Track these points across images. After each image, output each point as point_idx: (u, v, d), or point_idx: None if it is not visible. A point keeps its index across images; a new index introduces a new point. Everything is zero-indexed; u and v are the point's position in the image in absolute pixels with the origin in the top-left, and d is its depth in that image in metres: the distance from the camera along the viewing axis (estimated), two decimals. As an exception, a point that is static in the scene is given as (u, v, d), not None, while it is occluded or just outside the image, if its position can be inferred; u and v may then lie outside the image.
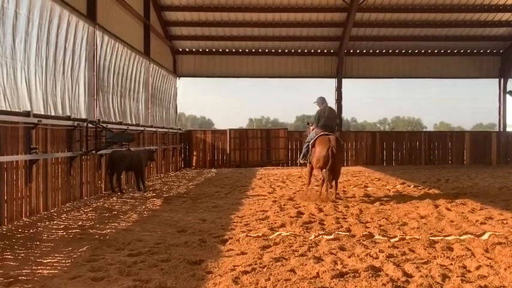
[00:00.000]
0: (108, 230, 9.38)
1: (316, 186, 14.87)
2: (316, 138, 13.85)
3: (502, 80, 29.60)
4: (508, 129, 30.00)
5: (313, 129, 14.67)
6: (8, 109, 10.21)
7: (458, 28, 27.72)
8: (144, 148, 18.67)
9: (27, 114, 10.75)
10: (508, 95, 29.56)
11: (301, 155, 14.99)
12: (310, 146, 14.15)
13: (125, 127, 17.35)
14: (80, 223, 10.17)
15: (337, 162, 13.61)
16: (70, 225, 9.91)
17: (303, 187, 16.92)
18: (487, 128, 39.54)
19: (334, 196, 13.58)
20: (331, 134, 13.88)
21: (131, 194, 15.04)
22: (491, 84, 30.24)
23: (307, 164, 14.56)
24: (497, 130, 30.30)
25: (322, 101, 14.67)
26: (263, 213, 11.29)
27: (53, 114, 12.40)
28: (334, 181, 13.73)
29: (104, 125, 15.06)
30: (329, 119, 14.38)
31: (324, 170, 13.36)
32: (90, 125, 14.17)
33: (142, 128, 19.69)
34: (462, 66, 29.39)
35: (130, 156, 15.42)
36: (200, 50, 28.93)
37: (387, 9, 26.09)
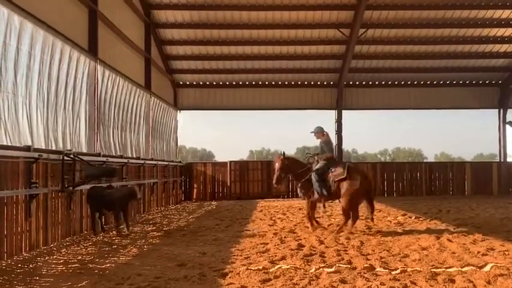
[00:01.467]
0: (108, 265, 9.34)
1: (318, 218, 14.78)
2: (348, 170, 13.19)
3: (501, 111, 29.71)
4: (509, 159, 30.03)
5: (320, 160, 13.87)
6: (9, 144, 10.26)
7: (457, 59, 27.96)
8: (127, 185, 15.75)
9: (27, 148, 10.79)
10: (508, 126, 29.63)
11: (322, 189, 13.46)
12: (338, 177, 13.28)
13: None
14: (80, 258, 10.13)
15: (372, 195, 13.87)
16: (70, 260, 9.87)
17: (303, 219, 16.85)
18: (487, 159, 39.58)
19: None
20: (354, 164, 13.82)
21: (131, 228, 14.98)
22: (491, 115, 30.36)
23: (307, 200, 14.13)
24: (498, 160, 30.32)
25: (322, 130, 14.22)
26: (263, 246, 11.24)
27: (54, 148, 12.43)
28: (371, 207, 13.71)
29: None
30: (332, 149, 14.27)
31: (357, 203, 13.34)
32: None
33: (142, 161, 19.71)
34: (462, 97, 29.53)
35: (111, 193, 13.71)
36: (201, 83, 29.11)
37: (386, 41, 26.36)
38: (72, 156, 12.78)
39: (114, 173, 14.57)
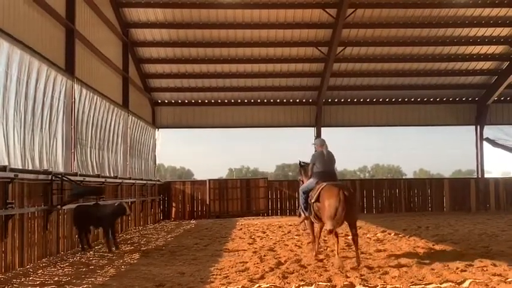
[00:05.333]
0: (85, 286, 9.20)
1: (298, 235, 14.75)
2: (322, 188, 11.32)
3: (478, 127, 30.02)
4: (486, 175, 30.31)
5: (310, 176, 12.35)
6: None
7: (434, 77, 28.29)
8: (116, 201, 16.80)
9: (3, 169, 10.64)
10: (485, 142, 29.94)
11: (302, 207, 12.38)
12: (313, 198, 11.65)
13: (102, 180, 16.93)
14: (56, 279, 9.97)
15: (353, 215, 11.22)
16: (46, 281, 9.70)
17: (283, 237, 16.85)
18: (465, 175, 39.91)
19: (356, 260, 11.02)
20: (338, 182, 11.67)
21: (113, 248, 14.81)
22: (468, 132, 30.65)
23: (307, 220, 12.59)
24: (476, 177, 30.57)
25: (322, 142, 12.63)
26: (243, 265, 11.16)
27: (30, 168, 12.30)
28: (352, 237, 11.40)
29: (70, 177, 13.99)
30: (328, 164, 12.19)
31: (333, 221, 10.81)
32: (54, 178, 13.29)
33: (120, 181, 19.53)
34: (439, 114, 29.83)
35: (98, 210, 14.44)
36: (179, 101, 29.05)
37: (364, 59, 26.62)
38: (60, 176, 13.43)
39: (101, 191, 15.37)
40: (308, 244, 13.68)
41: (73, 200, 13.99)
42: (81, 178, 15.12)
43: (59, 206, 13.44)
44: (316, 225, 12.41)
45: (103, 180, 17.10)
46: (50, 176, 13.07)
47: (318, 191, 11.40)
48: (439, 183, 30.39)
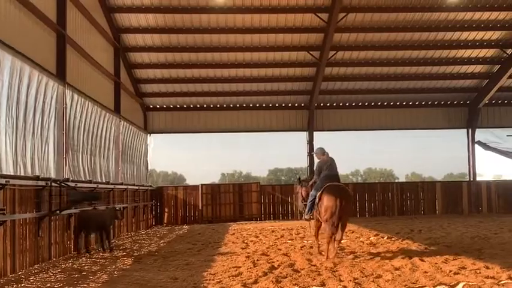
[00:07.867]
0: (77, 292, 9.15)
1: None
2: (324, 188, 12.85)
3: (470, 130, 30.18)
4: (478, 178, 30.40)
5: (311, 183, 14.22)
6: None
7: (426, 81, 28.41)
8: (108, 207, 17.99)
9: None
10: (476, 145, 30.06)
11: (307, 210, 13.85)
12: (316, 199, 13.10)
13: (94, 186, 17.00)
14: (49, 285, 9.90)
15: (345, 214, 12.72)
16: (38, 288, 9.65)
17: (276, 241, 16.82)
18: (457, 178, 39.97)
19: (334, 250, 12.65)
20: (339, 184, 13.17)
21: (101, 254, 14.75)
22: (460, 135, 30.77)
23: (313, 220, 13.90)
24: (468, 180, 30.65)
25: (322, 151, 13.98)
26: (236, 270, 11.12)
27: (22, 174, 12.22)
28: (340, 234, 12.85)
29: (69, 183, 14.48)
30: (332, 168, 13.65)
31: (330, 222, 12.39)
32: (54, 184, 13.61)
33: (112, 186, 19.44)
34: (431, 118, 29.97)
35: (99, 215, 15.21)
36: (171, 106, 29.03)
37: (355, 63, 26.68)
38: (58, 182, 13.80)
39: (98, 197, 15.81)
40: (302, 248, 13.66)
41: (72, 205, 14.31)
42: (90, 185, 16.45)
43: (57, 211, 13.68)
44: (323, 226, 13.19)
45: (95, 186, 17.03)
46: (48, 182, 13.29)
47: (322, 189, 12.86)
48: (431, 187, 30.48)
